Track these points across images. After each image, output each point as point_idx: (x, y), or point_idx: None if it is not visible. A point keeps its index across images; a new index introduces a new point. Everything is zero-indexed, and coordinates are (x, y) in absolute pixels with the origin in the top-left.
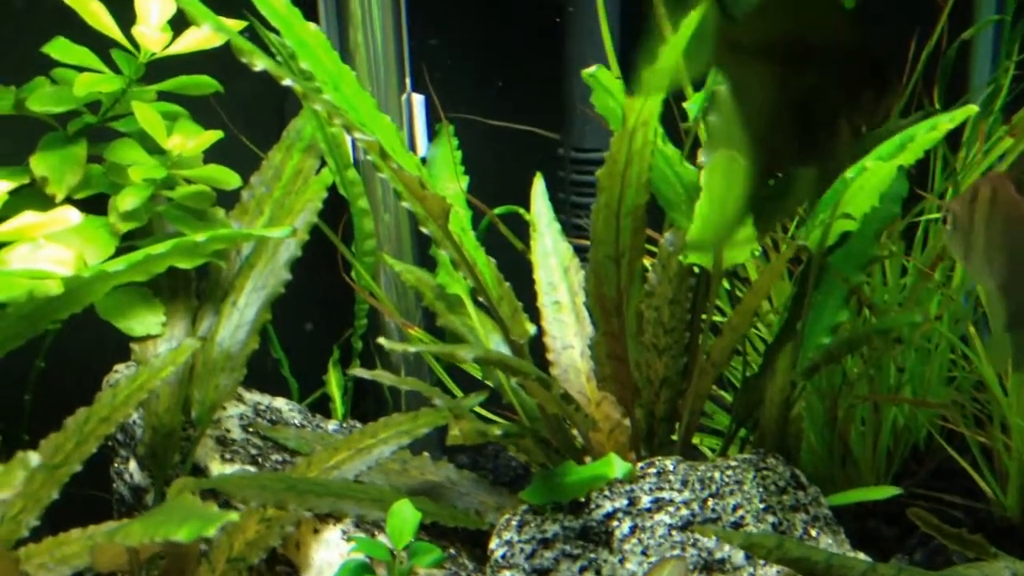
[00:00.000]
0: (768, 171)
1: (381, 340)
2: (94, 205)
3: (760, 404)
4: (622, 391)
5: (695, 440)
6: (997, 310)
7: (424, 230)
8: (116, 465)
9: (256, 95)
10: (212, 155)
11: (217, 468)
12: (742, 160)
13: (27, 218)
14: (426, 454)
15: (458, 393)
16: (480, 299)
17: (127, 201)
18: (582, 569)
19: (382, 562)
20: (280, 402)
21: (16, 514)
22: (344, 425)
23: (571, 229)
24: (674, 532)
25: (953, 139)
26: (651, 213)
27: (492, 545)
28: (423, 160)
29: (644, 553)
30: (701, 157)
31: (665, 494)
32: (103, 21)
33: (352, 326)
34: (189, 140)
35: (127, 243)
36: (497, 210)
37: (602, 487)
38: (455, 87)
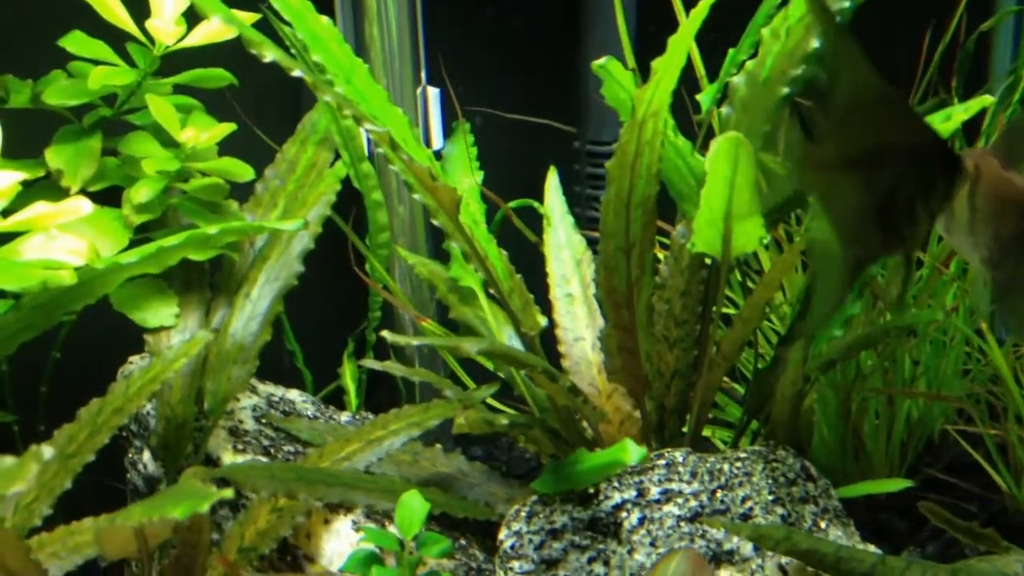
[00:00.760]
0: (860, 266)
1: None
2: (108, 198)
3: (771, 397)
4: (633, 383)
5: (707, 433)
6: (979, 285)
7: (435, 222)
8: (130, 455)
9: (271, 89)
10: (226, 148)
11: (229, 458)
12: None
13: (39, 208)
14: (438, 446)
15: (471, 385)
16: (491, 291)
17: (141, 193)
18: (591, 560)
19: (391, 552)
20: (294, 394)
21: (29, 503)
22: (357, 417)
23: (587, 222)
24: (683, 523)
25: (974, 131)
26: (662, 205)
27: (501, 536)
28: (438, 154)
29: (653, 544)
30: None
31: (674, 485)
32: (118, 15)
33: (365, 319)
34: (203, 133)
35: (141, 235)
36: (511, 203)
37: (611, 478)
38: (471, 81)
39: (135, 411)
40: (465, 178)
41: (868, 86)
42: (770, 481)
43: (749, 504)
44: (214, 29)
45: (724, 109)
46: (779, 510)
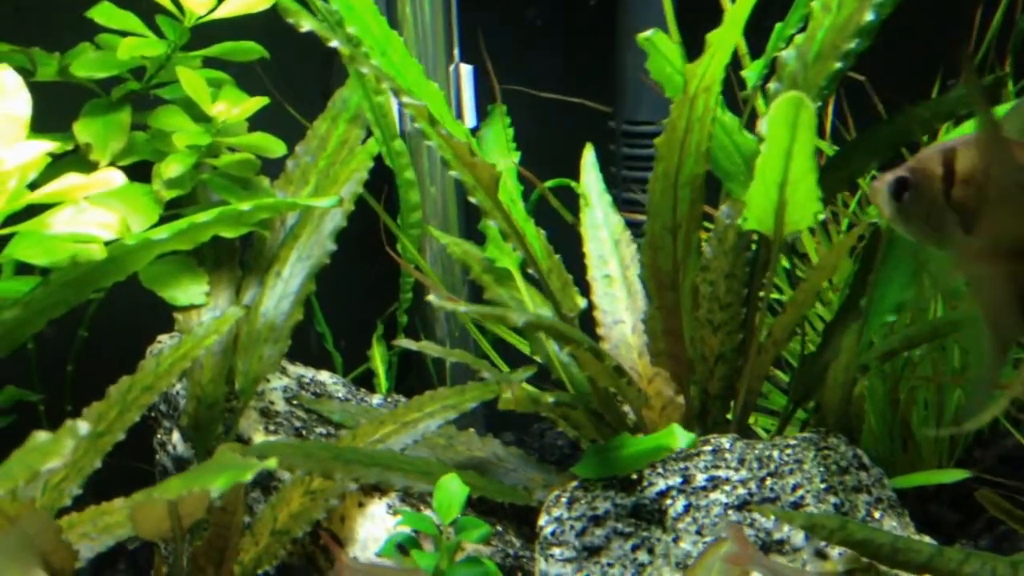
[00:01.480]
0: (1005, 347)
1: (431, 298)
2: (137, 174)
3: (819, 383)
4: (676, 367)
5: (749, 420)
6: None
7: (473, 200)
8: (159, 436)
9: (299, 64)
10: (253, 125)
11: (260, 439)
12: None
13: (70, 180)
14: (471, 430)
15: (505, 369)
16: (530, 271)
17: (171, 168)
18: (634, 547)
19: (429, 537)
20: (324, 375)
21: (58, 483)
22: (389, 399)
23: (623, 204)
24: (730, 511)
25: None
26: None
27: (541, 522)
28: (472, 133)
29: (699, 532)
30: (760, 127)
31: (721, 472)
32: None
33: (396, 300)
34: (234, 107)
35: (170, 212)
36: (548, 183)
37: (656, 464)
38: (504, 58)
39: (165, 389)
40: (501, 159)
41: (1017, 181)
42: (822, 469)
43: (800, 492)
44: (246, 0)
45: (773, 85)
46: (831, 499)
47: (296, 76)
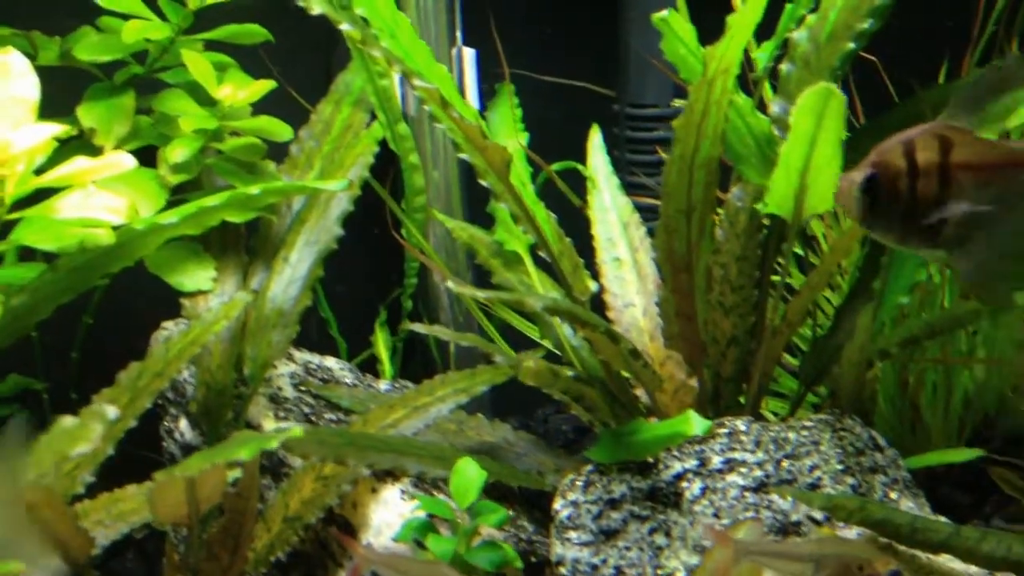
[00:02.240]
0: None
1: (450, 284)
2: (142, 159)
3: (831, 366)
4: (690, 350)
5: None
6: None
7: (483, 183)
8: (166, 423)
9: (300, 48)
10: (255, 109)
11: (270, 426)
12: None
13: (78, 163)
14: (480, 415)
15: (510, 353)
16: (541, 254)
17: (177, 152)
18: (651, 531)
19: (445, 521)
20: (331, 361)
21: (71, 470)
22: (396, 385)
23: (627, 188)
24: (747, 494)
25: None
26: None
27: (556, 506)
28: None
29: (716, 515)
30: (772, 108)
31: (737, 455)
32: None
33: (398, 286)
34: (240, 91)
35: (175, 197)
36: (554, 165)
37: (671, 446)
38: (506, 41)
39: (175, 375)
40: (509, 140)
41: None
42: (838, 450)
43: (817, 474)
44: None
45: (785, 66)
46: (849, 480)
47: (296, 59)
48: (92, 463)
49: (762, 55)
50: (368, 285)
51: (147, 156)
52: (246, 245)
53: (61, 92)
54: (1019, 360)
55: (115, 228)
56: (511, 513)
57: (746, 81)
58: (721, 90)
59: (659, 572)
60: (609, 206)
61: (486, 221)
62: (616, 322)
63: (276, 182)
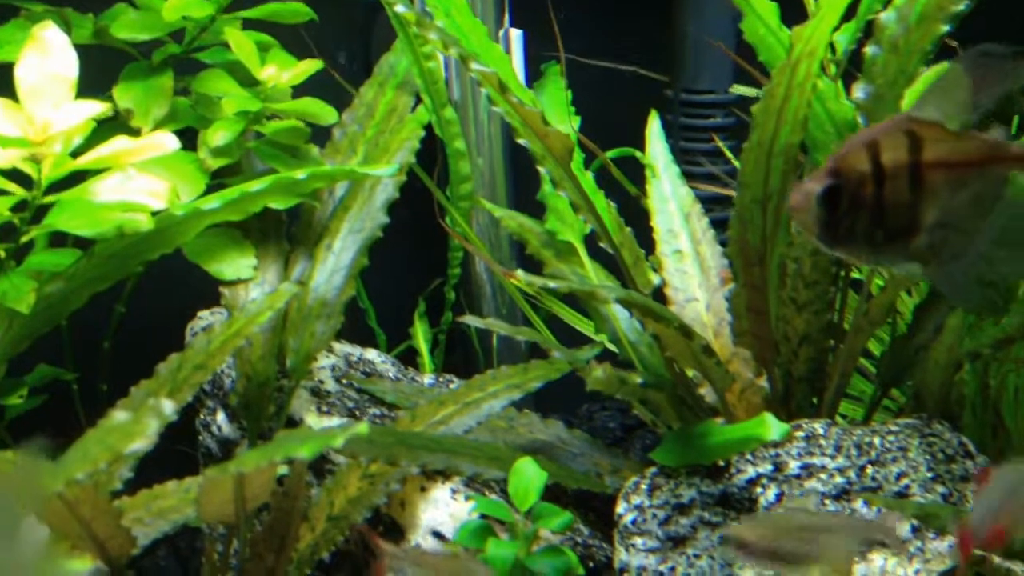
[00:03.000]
0: None
1: (520, 273)
2: (180, 142)
3: (911, 367)
4: (761, 347)
5: None
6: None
7: (541, 169)
8: (202, 417)
9: (339, 30)
10: (294, 92)
11: (314, 421)
12: None
13: (119, 144)
14: (528, 411)
15: (557, 347)
16: (602, 245)
17: (218, 135)
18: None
19: (501, 524)
20: (372, 354)
21: (109, 466)
22: (440, 379)
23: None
24: (827, 501)
25: None
26: None
27: (620, 509)
28: None
29: None
30: (856, 93)
31: (816, 460)
32: None
33: (437, 276)
34: (284, 72)
35: (214, 182)
36: (610, 153)
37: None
38: (555, 23)
39: (217, 368)
40: (559, 125)
41: None
42: (928, 457)
43: (905, 481)
44: None
45: (870, 49)
46: (939, 488)
47: (336, 41)
48: (131, 458)
49: (843, 38)
50: (407, 275)
51: (186, 139)
52: (287, 232)
53: (94, 72)
54: None
55: (155, 214)
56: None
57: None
58: (805, 74)
59: None
60: (669, 196)
61: (531, 210)
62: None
63: (322, 167)
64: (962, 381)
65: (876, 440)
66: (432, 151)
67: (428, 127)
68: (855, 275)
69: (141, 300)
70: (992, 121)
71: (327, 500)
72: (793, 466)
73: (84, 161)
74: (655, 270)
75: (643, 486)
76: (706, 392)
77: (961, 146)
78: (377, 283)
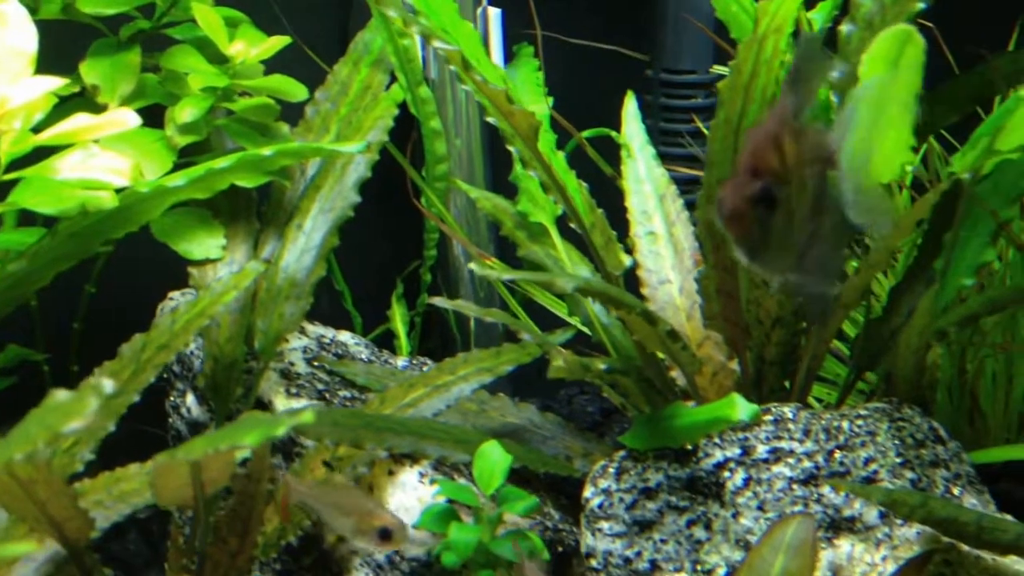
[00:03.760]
0: None
1: (472, 265)
2: (148, 119)
3: (885, 350)
4: (732, 330)
5: None
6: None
7: (511, 148)
8: (172, 398)
9: (316, 5)
10: (267, 69)
11: (282, 403)
12: None
13: (79, 120)
14: (502, 395)
15: (535, 330)
16: (572, 226)
17: (186, 112)
18: (690, 523)
19: (467, 508)
20: (345, 336)
21: (70, 447)
22: (414, 362)
23: (660, 159)
24: (795, 486)
25: None
26: None
27: (587, 494)
28: None
29: (760, 508)
30: (832, 72)
31: (784, 444)
32: None
33: (414, 258)
34: (252, 47)
35: (183, 160)
36: (585, 133)
37: (711, 433)
38: (534, 1)
39: (181, 348)
40: (532, 105)
41: None
42: (897, 442)
43: (874, 467)
44: None
45: (845, 27)
46: (908, 474)
47: (311, 16)
48: (92, 440)
49: (819, 15)
50: (385, 257)
51: (154, 116)
52: (258, 212)
53: (63, 47)
54: None
55: (118, 191)
56: (538, 500)
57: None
58: (772, 50)
59: (698, 568)
60: (644, 177)
61: (510, 191)
62: (651, 300)
63: (289, 143)
64: (935, 365)
65: (845, 424)
66: (409, 131)
67: (404, 106)
68: None
69: (113, 280)
70: None
71: (294, 483)
72: (761, 450)
73: (43, 137)
74: (629, 251)
75: (611, 470)
76: (677, 375)
77: (812, 142)
78: (354, 265)
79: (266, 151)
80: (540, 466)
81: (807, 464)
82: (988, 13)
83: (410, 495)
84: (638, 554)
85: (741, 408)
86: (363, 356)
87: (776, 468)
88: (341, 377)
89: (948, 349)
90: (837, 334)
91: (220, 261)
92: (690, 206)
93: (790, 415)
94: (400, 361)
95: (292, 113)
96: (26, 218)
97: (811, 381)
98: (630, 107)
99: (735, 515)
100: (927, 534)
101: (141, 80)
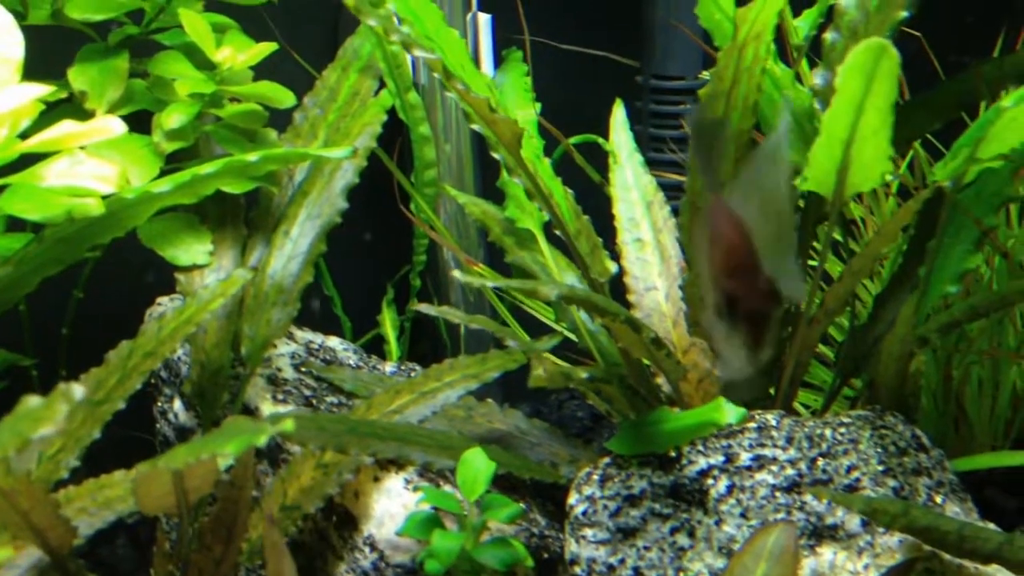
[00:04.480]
0: None
1: (455, 273)
2: (136, 125)
3: (868, 357)
4: None
5: None
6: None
7: (496, 155)
8: (159, 404)
9: (306, 10)
10: (257, 75)
11: (269, 409)
12: None
13: (65, 127)
14: (490, 401)
15: (524, 336)
16: (557, 233)
17: (173, 118)
18: (673, 530)
19: (451, 515)
20: (334, 341)
21: (54, 454)
22: (402, 367)
23: (650, 165)
24: (778, 493)
25: None
26: None
27: (571, 500)
28: None
29: (743, 515)
30: (813, 79)
31: (767, 451)
32: None
33: (406, 263)
34: (240, 53)
35: (171, 166)
36: (573, 139)
37: (696, 441)
38: (524, 7)
39: (168, 355)
40: (520, 110)
41: None
42: (879, 450)
43: (856, 475)
44: None
45: (829, 35)
46: (890, 482)
47: (301, 22)
48: (77, 447)
49: (803, 23)
50: (375, 262)
51: (142, 122)
52: (245, 218)
53: (52, 53)
54: None
55: (105, 197)
56: (521, 506)
57: (786, 53)
58: (753, 57)
59: (681, 575)
60: (632, 184)
61: (500, 197)
62: (637, 306)
63: (276, 149)
64: (919, 372)
65: (828, 432)
66: (398, 136)
67: (392, 112)
68: (812, 263)
69: (102, 286)
70: None
71: (280, 489)
72: (744, 457)
73: (29, 144)
74: (616, 259)
75: (595, 476)
76: (663, 382)
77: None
78: (344, 270)
79: (252, 157)
80: (526, 472)
81: (790, 472)
82: (973, 21)
83: (395, 501)
84: (622, 561)
85: (728, 412)
86: (351, 362)
87: (759, 475)
88: (329, 383)
89: (934, 355)
90: (826, 340)
91: (208, 267)
92: (677, 212)
93: (773, 422)
94: (388, 367)
95: (281, 119)
96: (13, 224)
97: (796, 388)
98: (618, 115)
99: (718, 522)
100: (909, 542)
101: (129, 86)
